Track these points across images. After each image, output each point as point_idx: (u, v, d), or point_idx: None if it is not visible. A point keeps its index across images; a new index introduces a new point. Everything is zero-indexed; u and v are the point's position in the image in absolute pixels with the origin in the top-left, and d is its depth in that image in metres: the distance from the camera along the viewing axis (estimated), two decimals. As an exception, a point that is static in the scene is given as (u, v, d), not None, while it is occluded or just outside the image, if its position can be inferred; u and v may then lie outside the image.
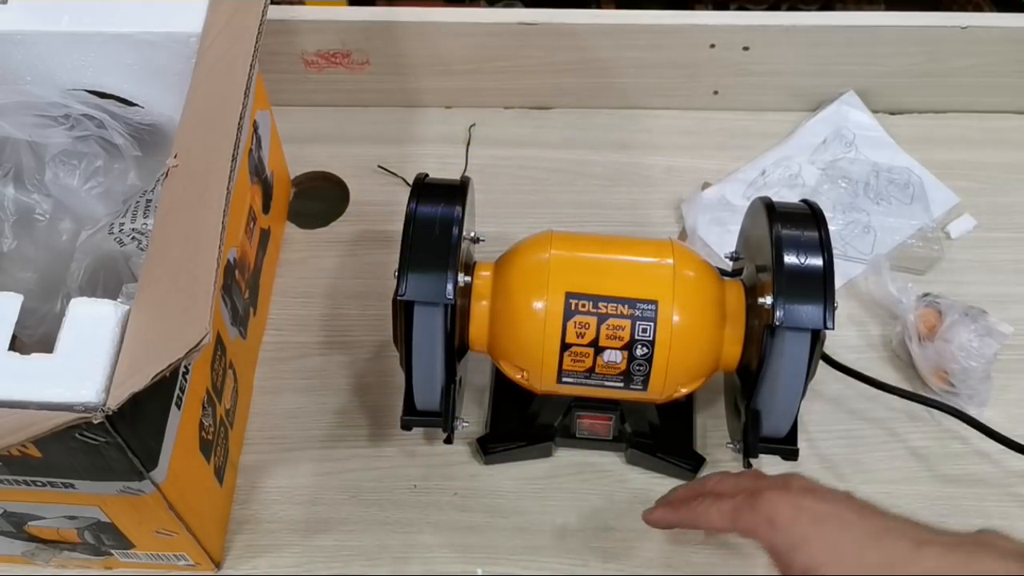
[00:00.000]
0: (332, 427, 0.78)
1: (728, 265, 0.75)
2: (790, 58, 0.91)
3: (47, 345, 0.52)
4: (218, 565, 0.72)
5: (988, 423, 0.74)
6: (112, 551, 0.68)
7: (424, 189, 0.68)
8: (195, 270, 0.53)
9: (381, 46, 0.91)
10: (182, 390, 0.61)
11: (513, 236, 0.71)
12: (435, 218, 0.65)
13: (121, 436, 0.53)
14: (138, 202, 0.67)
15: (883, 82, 0.93)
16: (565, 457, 0.77)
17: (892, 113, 0.95)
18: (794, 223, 0.65)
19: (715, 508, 0.57)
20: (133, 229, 0.65)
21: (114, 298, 0.54)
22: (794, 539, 0.51)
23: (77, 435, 0.52)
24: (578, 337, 0.65)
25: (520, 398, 0.73)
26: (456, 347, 0.66)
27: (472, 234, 0.71)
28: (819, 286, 0.62)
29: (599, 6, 1.24)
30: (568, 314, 0.65)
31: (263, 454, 0.77)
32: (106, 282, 0.68)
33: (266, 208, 0.81)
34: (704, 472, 0.75)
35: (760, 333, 0.64)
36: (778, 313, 0.62)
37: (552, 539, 0.73)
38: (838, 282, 0.64)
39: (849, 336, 0.82)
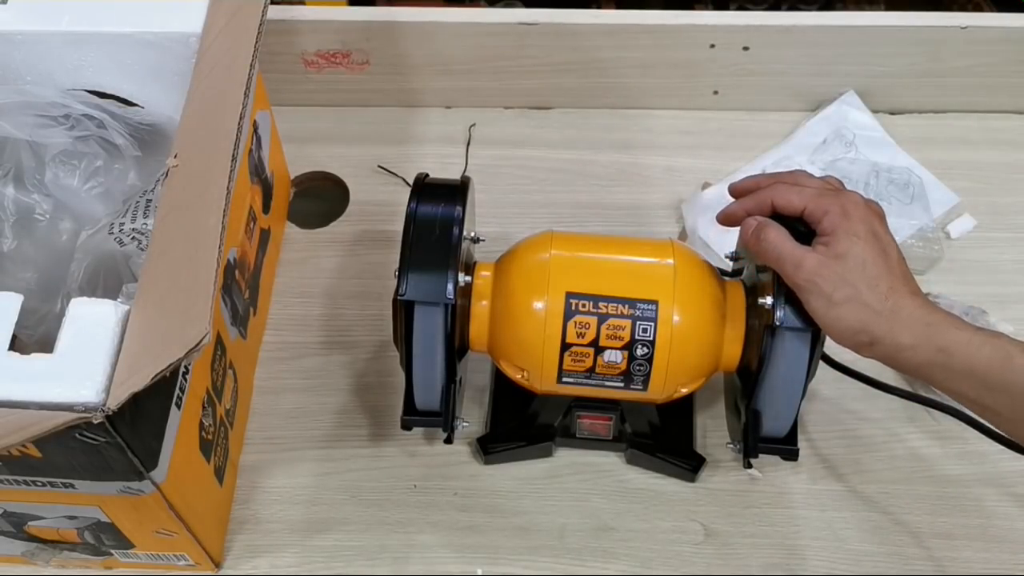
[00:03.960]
0: (332, 427, 0.78)
1: (728, 265, 0.75)
2: (790, 58, 0.91)
3: (47, 345, 0.52)
4: (218, 565, 0.72)
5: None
6: (112, 551, 0.68)
7: (424, 189, 0.68)
8: (195, 270, 0.53)
9: (381, 46, 0.91)
10: (182, 390, 0.61)
11: (513, 236, 0.71)
12: (435, 218, 0.65)
13: (121, 436, 0.53)
14: (138, 202, 0.67)
15: (883, 82, 0.93)
16: (565, 457, 0.77)
17: (892, 113, 0.95)
18: (794, 223, 0.65)
19: (796, 190, 0.63)
20: (133, 229, 0.65)
21: (114, 298, 0.54)
22: (853, 231, 0.60)
23: (77, 435, 0.52)
24: (578, 337, 0.65)
25: (520, 398, 0.73)
26: (456, 347, 0.66)
27: (472, 234, 0.71)
28: (819, 286, 0.62)
29: (599, 6, 1.24)
30: (568, 314, 0.65)
31: (263, 454, 0.77)
32: (106, 282, 0.68)
33: (266, 208, 0.81)
34: (704, 472, 0.75)
35: (760, 333, 0.64)
36: (778, 313, 0.62)
37: (552, 539, 0.73)
38: (838, 282, 0.63)
39: (849, 336, 0.82)
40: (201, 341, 0.50)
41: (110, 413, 0.49)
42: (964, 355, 0.57)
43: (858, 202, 0.62)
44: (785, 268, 0.61)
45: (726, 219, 0.68)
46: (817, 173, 0.89)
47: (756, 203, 0.65)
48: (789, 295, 0.62)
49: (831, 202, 0.61)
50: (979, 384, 0.58)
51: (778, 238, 0.62)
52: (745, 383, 0.67)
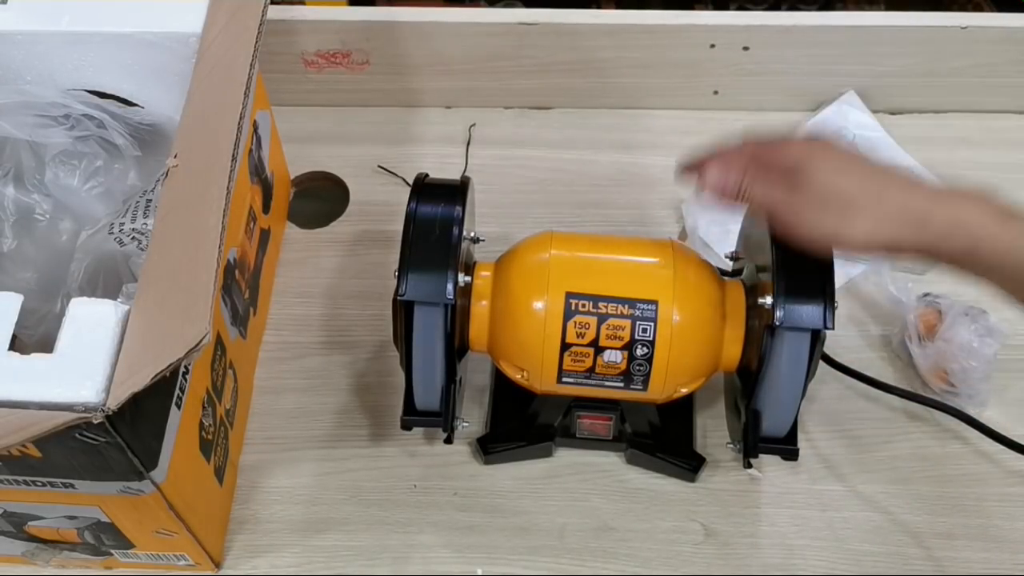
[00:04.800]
0: (332, 427, 0.78)
1: (728, 265, 0.75)
2: (790, 58, 0.91)
3: (47, 345, 0.52)
4: (218, 565, 0.72)
5: (988, 423, 0.74)
6: (112, 551, 0.68)
7: (424, 189, 0.68)
8: (195, 270, 0.53)
9: (381, 46, 0.91)
10: (182, 390, 0.61)
11: (513, 236, 0.71)
12: (435, 218, 0.65)
13: (121, 436, 0.53)
14: (138, 202, 0.67)
15: (883, 82, 0.93)
16: (565, 457, 0.77)
17: (892, 113, 0.95)
18: None
19: (750, 137, 0.61)
20: (133, 229, 0.65)
21: (114, 298, 0.54)
22: (813, 153, 0.58)
23: (77, 435, 0.52)
24: (578, 337, 0.65)
25: (520, 398, 0.73)
26: (456, 347, 0.66)
27: (472, 234, 0.71)
28: (819, 286, 0.62)
29: (599, 6, 1.24)
30: (568, 314, 0.65)
31: (263, 454, 0.77)
32: (106, 282, 0.68)
33: (266, 208, 0.81)
34: (704, 472, 0.75)
35: (760, 333, 0.64)
36: (778, 313, 0.62)
37: (552, 539, 0.73)
38: (838, 282, 0.63)
39: (849, 336, 0.82)
40: (201, 341, 0.50)
41: (110, 413, 0.49)
42: (990, 255, 0.54)
43: (806, 134, 0.60)
44: (777, 210, 0.59)
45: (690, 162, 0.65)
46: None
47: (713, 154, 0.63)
48: (789, 295, 0.62)
49: (780, 141, 0.60)
50: (1009, 282, 0.55)
51: (762, 185, 0.59)
52: (745, 383, 0.67)
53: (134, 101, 0.72)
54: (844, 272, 0.84)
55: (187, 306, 0.52)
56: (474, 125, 0.95)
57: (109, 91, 0.72)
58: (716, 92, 0.95)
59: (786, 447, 0.69)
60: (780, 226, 0.58)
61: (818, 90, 0.94)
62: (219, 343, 0.69)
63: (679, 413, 0.76)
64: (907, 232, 0.55)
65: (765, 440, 0.68)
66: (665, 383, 0.66)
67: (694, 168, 0.63)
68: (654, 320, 0.64)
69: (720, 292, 0.67)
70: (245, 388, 0.77)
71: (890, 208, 0.55)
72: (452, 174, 0.71)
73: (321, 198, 0.92)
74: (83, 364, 0.51)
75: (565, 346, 0.65)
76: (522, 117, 0.96)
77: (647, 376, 0.65)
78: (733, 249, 0.75)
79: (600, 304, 0.65)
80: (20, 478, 0.58)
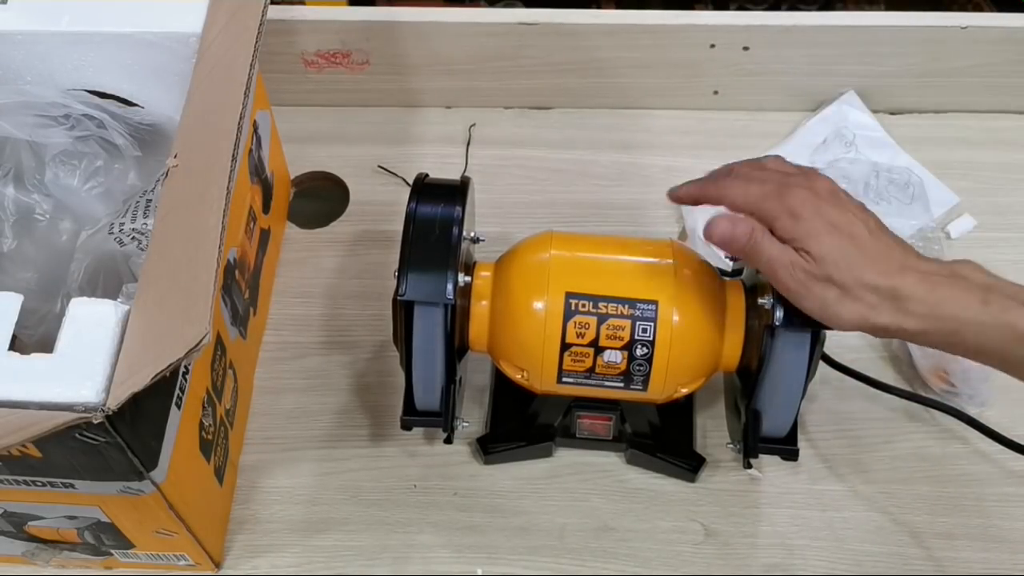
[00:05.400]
0: (332, 427, 0.78)
1: (728, 265, 0.75)
2: (790, 58, 0.91)
3: (47, 345, 0.52)
4: (218, 565, 0.72)
5: (988, 423, 0.74)
6: (112, 551, 0.68)
7: (424, 189, 0.68)
8: (195, 270, 0.53)
9: (381, 46, 0.91)
10: (182, 390, 0.61)
11: (513, 236, 0.71)
12: (435, 218, 0.65)
13: (121, 436, 0.53)
14: (138, 202, 0.67)
15: (883, 82, 0.93)
16: (565, 457, 0.77)
17: (892, 113, 0.95)
18: None
19: (742, 189, 0.61)
20: (133, 229, 0.65)
21: (114, 298, 0.54)
22: (811, 231, 0.58)
23: (77, 435, 0.52)
24: (578, 337, 0.65)
25: (520, 398, 0.73)
26: (456, 347, 0.66)
27: (472, 234, 0.71)
28: (819, 286, 0.62)
29: (599, 6, 1.24)
30: (568, 314, 0.65)
31: (263, 454, 0.77)
32: (106, 282, 0.68)
33: (266, 208, 0.81)
34: (704, 472, 0.75)
35: (760, 333, 0.64)
36: (778, 313, 0.62)
37: (552, 539, 0.73)
38: (838, 282, 0.64)
39: (849, 336, 0.81)
40: (201, 341, 0.50)
41: (110, 413, 0.49)
42: (974, 337, 0.56)
43: (802, 197, 0.58)
44: (779, 275, 0.59)
45: (680, 199, 0.66)
46: (817, 173, 0.89)
47: (703, 196, 0.64)
48: (789, 295, 0.62)
49: (775, 206, 0.59)
50: (994, 358, 0.56)
51: (771, 246, 0.59)
52: (745, 383, 0.67)
53: (134, 101, 0.72)
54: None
55: (187, 306, 0.52)
56: (474, 125, 0.95)
57: (109, 91, 0.72)
58: (716, 92, 0.95)
59: (786, 447, 0.69)
60: (782, 289, 0.59)
61: (818, 90, 0.94)
62: (219, 343, 0.69)
63: (679, 413, 0.76)
64: (892, 320, 0.56)
65: (765, 440, 0.68)
66: (665, 383, 0.66)
67: (685, 200, 0.66)
68: (654, 320, 0.64)
69: (720, 292, 0.67)
70: (245, 388, 0.77)
71: (876, 297, 0.57)
72: (452, 174, 0.71)
73: (321, 198, 0.92)
74: (83, 364, 0.51)
75: (565, 346, 0.65)
76: (522, 117, 0.96)
77: (647, 376, 0.65)
78: (733, 249, 0.75)
79: (600, 304, 0.65)
80: (20, 478, 0.58)
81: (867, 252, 0.57)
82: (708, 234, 0.62)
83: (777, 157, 0.64)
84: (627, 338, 0.64)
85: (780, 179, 0.61)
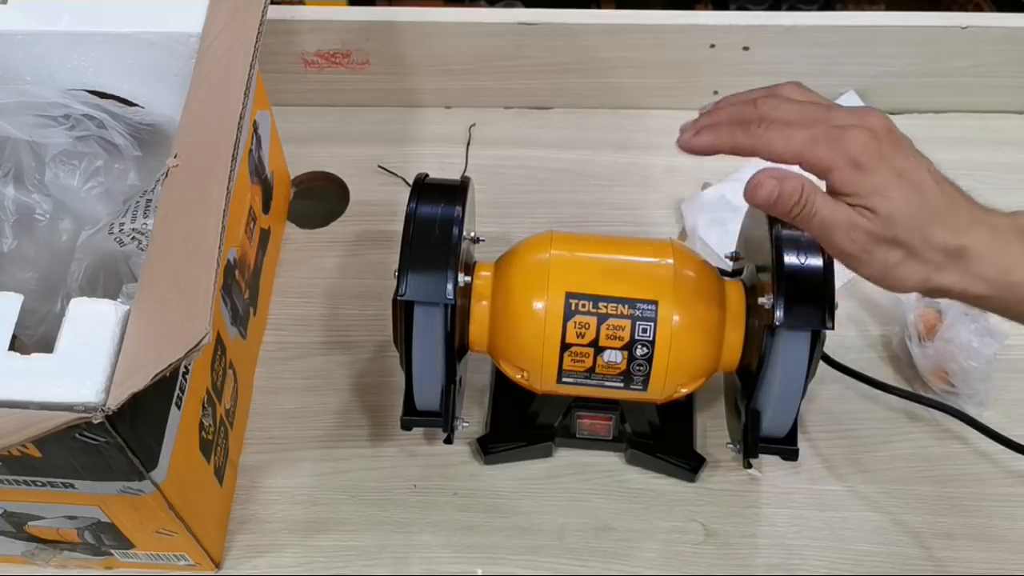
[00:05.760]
0: (332, 427, 0.78)
1: (728, 265, 0.75)
2: (790, 58, 0.91)
3: (47, 345, 0.52)
4: (218, 565, 0.72)
5: (988, 423, 0.74)
6: (112, 551, 0.68)
7: (424, 189, 0.68)
8: (195, 270, 0.53)
9: (381, 46, 0.91)
10: (182, 390, 0.61)
11: (513, 236, 0.72)
12: (435, 218, 0.65)
13: (121, 436, 0.53)
14: (138, 202, 0.67)
15: (883, 82, 0.93)
16: (565, 457, 0.77)
17: (892, 113, 0.93)
18: None
19: (783, 133, 0.53)
20: (133, 229, 0.65)
21: (114, 298, 0.54)
22: (878, 185, 0.51)
23: (77, 435, 0.52)
24: (578, 337, 0.65)
25: (520, 398, 0.73)
26: (456, 347, 0.66)
27: (472, 234, 0.71)
28: (819, 286, 0.62)
29: (599, 6, 1.24)
30: (568, 314, 0.65)
31: (263, 454, 0.77)
32: (106, 282, 0.68)
33: (266, 208, 0.81)
34: (704, 472, 0.75)
35: (760, 333, 0.64)
36: (778, 313, 0.62)
37: (552, 539, 0.73)
38: (838, 282, 0.63)
39: (849, 336, 0.82)
40: (201, 341, 0.50)
41: (110, 413, 0.49)
42: None
43: (863, 141, 0.51)
44: (834, 238, 0.52)
45: (696, 149, 0.56)
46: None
47: (733, 147, 0.55)
48: (789, 295, 0.62)
49: (830, 152, 0.51)
50: None
51: (825, 204, 0.52)
52: (745, 383, 0.67)
53: (134, 101, 0.72)
54: (844, 272, 0.84)
55: (187, 306, 0.52)
56: (474, 125, 0.95)
57: (109, 91, 0.72)
58: (716, 92, 0.95)
59: (786, 447, 0.68)
60: (836, 253, 0.53)
61: (818, 90, 0.93)
62: (219, 343, 0.69)
63: (679, 413, 0.76)
64: (958, 281, 0.52)
65: (765, 440, 0.68)
66: (665, 383, 0.66)
67: (706, 150, 0.56)
68: (654, 320, 0.64)
69: (720, 292, 0.67)
70: (245, 388, 0.77)
71: (943, 257, 0.51)
72: (452, 174, 0.71)
73: (321, 198, 0.92)
74: (83, 364, 0.51)
75: (565, 346, 0.65)
76: (522, 117, 0.96)
77: (647, 376, 0.65)
78: (733, 249, 0.75)
79: (600, 304, 0.65)
80: (20, 478, 0.58)
81: (936, 206, 0.52)
82: (750, 195, 0.54)
83: (795, 84, 0.57)
84: (627, 338, 0.64)
85: (826, 116, 0.53)
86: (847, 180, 0.51)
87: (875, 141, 0.52)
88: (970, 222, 0.52)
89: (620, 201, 0.90)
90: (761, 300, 0.63)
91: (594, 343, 0.65)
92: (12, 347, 0.53)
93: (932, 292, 0.53)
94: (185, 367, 0.62)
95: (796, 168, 0.53)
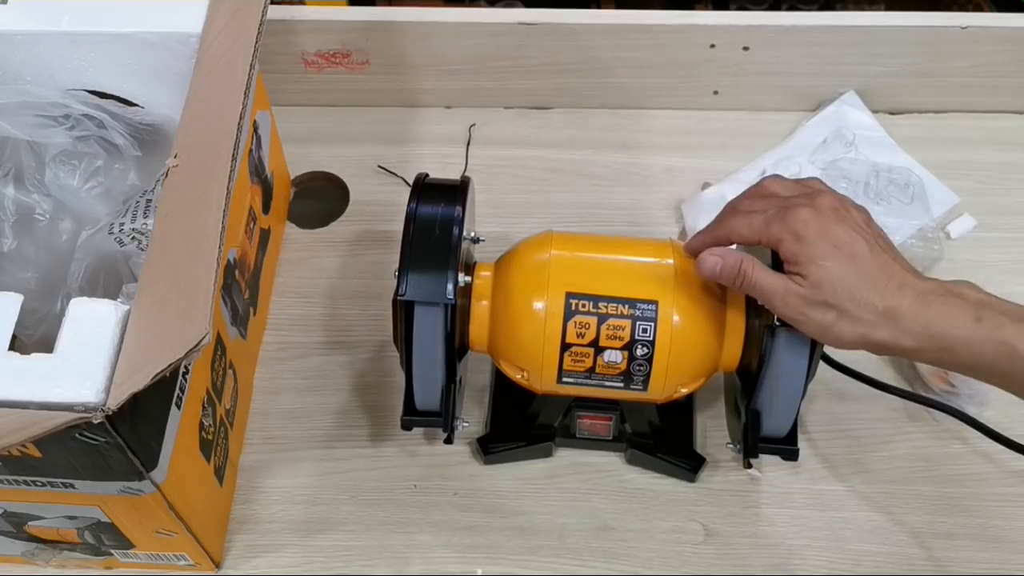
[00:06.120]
0: (332, 427, 0.78)
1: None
2: (790, 58, 0.91)
3: (47, 345, 0.52)
4: (218, 565, 0.72)
5: (988, 423, 0.74)
6: (112, 551, 0.68)
7: (424, 189, 0.68)
8: (195, 270, 0.53)
9: (381, 46, 0.91)
10: (182, 390, 0.61)
11: (513, 236, 0.71)
12: (435, 218, 0.65)
13: (121, 436, 0.53)
14: (138, 202, 0.67)
15: (883, 82, 0.93)
16: (565, 457, 0.77)
17: (892, 113, 0.95)
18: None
19: (746, 221, 0.62)
20: (133, 229, 0.65)
21: (114, 298, 0.54)
22: (813, 255, 0.58)
23: (77, 435, 0.52)
24: (578, 337, 0.65)
25: (520, 398, 0.73)
26: (456, 347, 0.66)
27: (472, 234, 0.71)
28: (819, 286, 0.62)
29: (599, 6, 1.24)
30: (568, 314, 0.65)
31: (263, 454, 0.77)
32: (106, 282, 0.68)
33: (266, 208, 0.81)
34: (704, 472, 0.75)
35: (760, 333, 0.64)
36: (778, 313, 0.62)
37: (552, 539, 0.73)
38: (838, 282, 0.64)
39: (849, 336, 0.82)
40: (201, 341, 0.50)
41: (110, 413, 0.49)
42: (968, 354, 0.57)
43: (805, 218, 0.59)
44: (774, 304, 0.60)
45: (693, 250, 0.66)
46: (817, 173, 0.90)
47: (714, 239, 0.64)
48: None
49: (779, 229, 0.59)
50: (988, 374, 0.58)
51: (762, 277, 0.60)
52: (745, 383, 0.67)
53: (134, 101, 0.72)
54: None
55: (187, 306, 0.52)
56: (474, 125, 0.95)
57: (109, 91, 0.71)
58: (716, 92, 0.95)
59: (786, 447, 0.69)
60: (780, 316, 0.60)
61: (818, 90, 0.94)
62: (219, 343, 0.69)
63: (679, 413, 0.76)
64: (890, 337, 0.58)
65: (765, 440, 0.68)
66: (665, 383, 0.66)
67: (699, 249, 0.64)
68: (654, 320, 0.64)
69: (720, 292, 0.67)
70: (245, 388, 0.77)
71: (874, 316, 0.58)
72: (452, 174, 0.71)
73: (321, 198, 0.92)
74: (83, 364, 0.51)
75: (565, 346, 0.65)
76: (522, 117, 0.96)
77: (647, 376, 0.65)
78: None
79: (600, 304, 0.65)
80: (20, 478, 0.58)
81: (867, 272, 0.58)
82: (699, 270, 0.63)
83: (775, 177, 0.65)
84: (627, 338, 0.64)
85: (781, 202, 0.61)
86: (790, 250, 0.59)
87: (817, 216, 0.59)
88: (899, 285, 0.58)
89: (620, 201, 0.91)
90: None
91: (594, 343, 0.65)
92: (12, 347, 0.53)
93: (871, 348, 0.59)
94: (185, 367, 0.62)
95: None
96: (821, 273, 0.58)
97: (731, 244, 0.64)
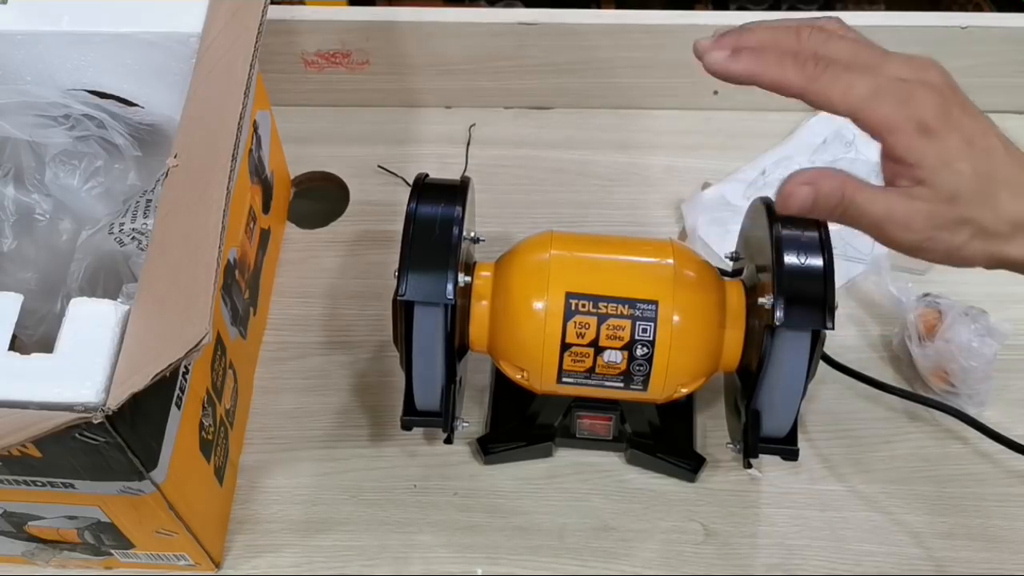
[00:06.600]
0: (332, 427, 0.78)
1: (728, 265, 0.75)
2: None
3: (47, 345, 0.52)
4: (218, 565, 0.72)
5: (988, 423, 0.74)
6: (112, 551, 0.68)
7: (424, 189, 0.68)
8: (195, 270, 0.53)
9: (381, 46, 0.91)
10: (182, 390, 0.61)
11: (513, 236, 0.72)
12: (435, 218, 0.65)
13: (121, 436, 0.53)
14: (138, 202, 0.67)
15: (883, 82, 0.93)
16: (565, 457, 0.77)
17: (892, 113, 0.95)
18: (794, 223, 0.65)
19: (842, 80, 0.47)
20: (133, 229, 0.65)
21: (114, 298, 0.54)
22: (946, 155, 0.46)
23: (77, 435, 0.52)
24: (578, 337, 0.65)
25: (520, 398, 0.73)
26: (456, 347, 0.66)
27: (472, 234, 0.71)
28: (819, 286, 0.62)
29: (599, 6, 1.24)
30: (568, 314, 0.65)
31: (263, 454, 0.77)
32: (106, 282, 0.68)
33: (266, 208, 0.81)
34: (704, 472, 0.75)
35: (760, 333, 0.64)
36: (778, 313, 0.62)
37: (552, 539, 0.73)
38: (838, 282, 0.64)
39: (849, 336, 0.82)
40: (201, 341, 0.50)
41: (110, 413, 0.49)
42: None
43: (932, 102, 0.46)
44: (891, 234, 0.47)
45: (729, 74, 0.49)
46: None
47: (778, 80, 0.48)
48: (789, 295, 0.62)
49: (898, 113, 0.46)
50: None
51: (872, 201, 0.46)
52: (745, 383, 0.67)
53: (134, 101, 0.72)
54: (844, 272, 0.84)
55: (187, 306, 0.52)
56: (474, 125, 0.95)
57: (109, 91, 0.72)
58: (716, 92, 0.95)
59: (786, 447, 0.68)
60: (893, 246, 0.48)
61: (818, 90, 0.94)
62: (219, 343, 0.69)
63: (679, 413, 0.76)
64: (1020, 248, 0.47)
65: (765, 440, 0.68)
66: (665, 383, 0.66)
67: (741, 78, 0.49)
68: (654, 320, 0.64)
69: (720, 292, 0.67)
70: (245, 388, 0.77)
71: (1011, 228, 0.47)
72: (452, 174, 0.71)
73: (321, 198, 0.92)
74: (83, 364, 0.51)
75: (565, 346, 0.65)
76: (522, 117, 0.96)
77: (647, 376, 0.65)
78: (733, 249, 0.75)
79: (600, 304, 0.65)
80: (20, 478, 0.58)
81: (1005, 173, 0.47)
82: (781, 205, 0.48)
83: (836, 19, 0.52)
84: (627, 338, 0.64)
85: (884, 66, 0.48)
86: (912, 147, 0.46)
87: (944, 102, 0.47)
88: None
89: (620, 201, 0.91)
90: (761, 300, 0.63)
91: (594, 343, 0.65)
92: (12, 347, 0.53)
93: (999, 266, 0.49)
94: (185, 367, 0.62)
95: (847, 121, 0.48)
96: (957, 180, 0.46)
97: (809, 100, 0.48)
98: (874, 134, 0.47)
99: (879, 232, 0.48)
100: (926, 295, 0.80)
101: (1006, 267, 0.49)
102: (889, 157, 0.47)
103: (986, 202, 0.46)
